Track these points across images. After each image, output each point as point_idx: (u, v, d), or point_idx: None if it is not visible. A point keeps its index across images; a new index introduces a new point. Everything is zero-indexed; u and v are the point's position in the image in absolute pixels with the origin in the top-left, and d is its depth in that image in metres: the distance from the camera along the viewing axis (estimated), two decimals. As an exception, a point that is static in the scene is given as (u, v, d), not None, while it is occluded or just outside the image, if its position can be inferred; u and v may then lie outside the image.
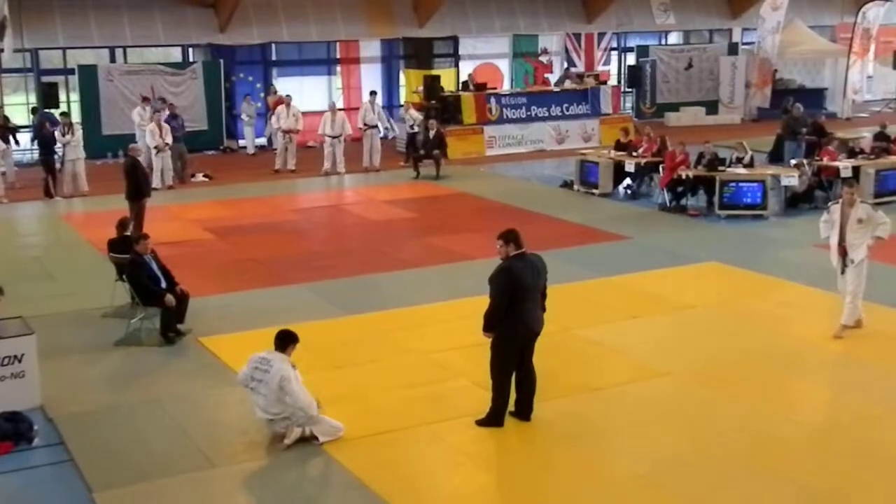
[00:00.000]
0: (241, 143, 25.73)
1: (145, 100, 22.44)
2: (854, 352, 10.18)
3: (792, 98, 23.36)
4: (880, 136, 19.89)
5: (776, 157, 21.05)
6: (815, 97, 29.93)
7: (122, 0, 24.66)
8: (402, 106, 26.95)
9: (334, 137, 21.96)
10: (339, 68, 27.60)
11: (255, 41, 26.09)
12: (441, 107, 24.34)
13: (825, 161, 17.97)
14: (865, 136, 21.02)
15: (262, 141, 25.65)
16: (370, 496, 7.25)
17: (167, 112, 21.52)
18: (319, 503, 7.43)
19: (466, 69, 28.21)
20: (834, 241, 10.57)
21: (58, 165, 19.87)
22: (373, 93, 23.96)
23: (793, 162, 18.52)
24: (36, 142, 21.21)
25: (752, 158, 17.81)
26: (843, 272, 10.56)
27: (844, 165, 17.68)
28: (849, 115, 29.69)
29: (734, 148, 18.30)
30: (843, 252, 10.51)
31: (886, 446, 8.02)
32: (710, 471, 7.60)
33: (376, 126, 22.68)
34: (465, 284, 11.91)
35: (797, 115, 21.41)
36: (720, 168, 17.25)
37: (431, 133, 21.77)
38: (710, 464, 7.72)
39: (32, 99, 24.33)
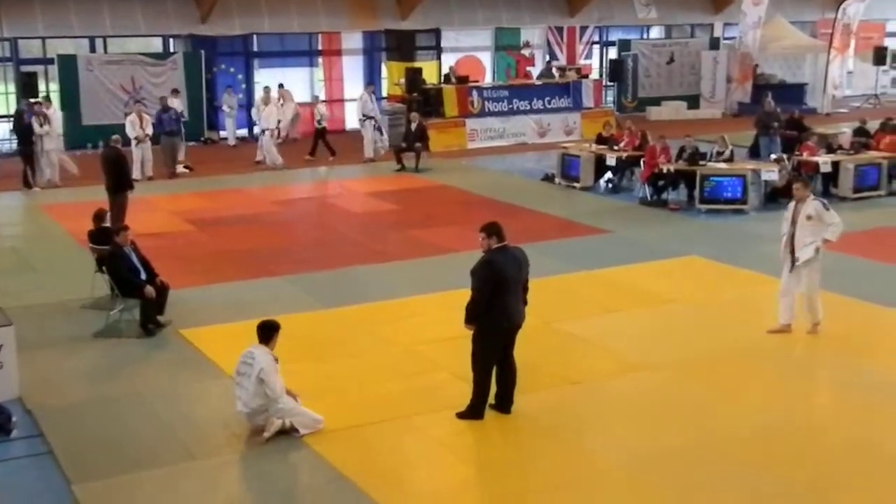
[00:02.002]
0: (223, 134, 25.66)
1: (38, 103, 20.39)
2: (836, 347, 10.24)
3: (770, 93, 23.45)
4: (860, 132, 20.02)
5: (756, 152, 21.15)
6: (795, 92, 30.09)
7: (102, -11, 24.55)
8: (384, 98, 26.94)
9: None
10: (321, 60, 27.51)
11: (237, 32, 25.95)
12: (423, 99, 24.34)
13: (805, 156, 18.08)
14: (845, 131, 21.16)
15: (244, 132, 25.58)
16: (350, 488, 7.25)
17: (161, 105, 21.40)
18: (300, 495, 7.43)
19: (448, 62, 28.18)
20: (784, 237, 10.46)
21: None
22: (369, 84, 24.20)
23: (773, 157, 18.61)
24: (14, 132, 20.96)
25: (731, 153, 17.90)
26: (791, 270, 10.39)
27: (824, 161, 17.80)
28: (829, 110, 29.82)
29: (715, 142, 18.36)
30: (791, 250, 10.37)
31: (869, 442, 8.05)
32: (690, 464, 7.63)
33: (374, 117, 22.70)
34: (447, 277, 11.91)
35: (769, 109, 21.50)
36: (701, 162, 17.32)
37: (413, 126, 21.75)
38: (690, 457, 7.75)
39: (11, 88, 24.12)
